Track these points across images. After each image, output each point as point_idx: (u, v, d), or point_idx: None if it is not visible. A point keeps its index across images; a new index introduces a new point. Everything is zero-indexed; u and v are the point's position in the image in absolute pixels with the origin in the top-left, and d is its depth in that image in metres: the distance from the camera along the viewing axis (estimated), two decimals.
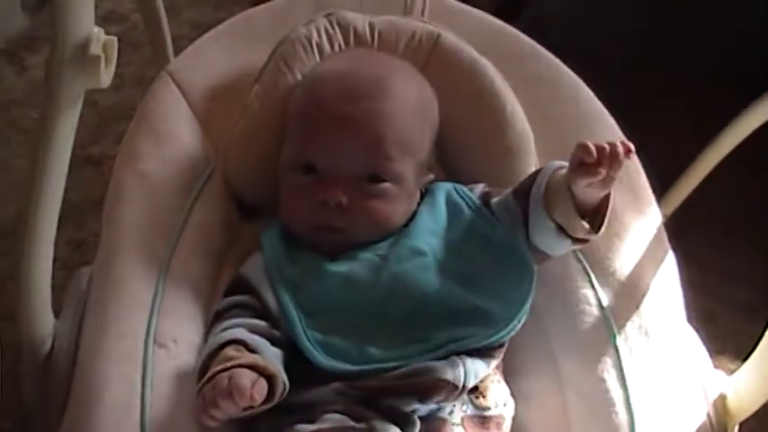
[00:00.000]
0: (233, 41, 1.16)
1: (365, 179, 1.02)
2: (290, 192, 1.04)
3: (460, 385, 0.94)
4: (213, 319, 0.99)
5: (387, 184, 1.02)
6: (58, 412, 0.94)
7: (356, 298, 0.99)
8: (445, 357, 0.96)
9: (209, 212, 1.06)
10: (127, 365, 0.91)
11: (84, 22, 0.78)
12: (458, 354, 0.96)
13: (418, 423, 0.94)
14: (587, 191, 0.94)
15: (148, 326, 0.95)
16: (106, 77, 0.80)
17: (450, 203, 1.06)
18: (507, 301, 0.99)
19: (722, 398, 1.05)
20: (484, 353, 0.98)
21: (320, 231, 1.02)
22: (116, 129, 1.53)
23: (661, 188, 1.24)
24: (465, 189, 1.08)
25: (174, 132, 1.09)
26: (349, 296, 0.99)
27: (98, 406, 0.88)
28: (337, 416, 0.92)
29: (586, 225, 0.95)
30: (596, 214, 0.96)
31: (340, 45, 1.13)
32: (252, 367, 0.89)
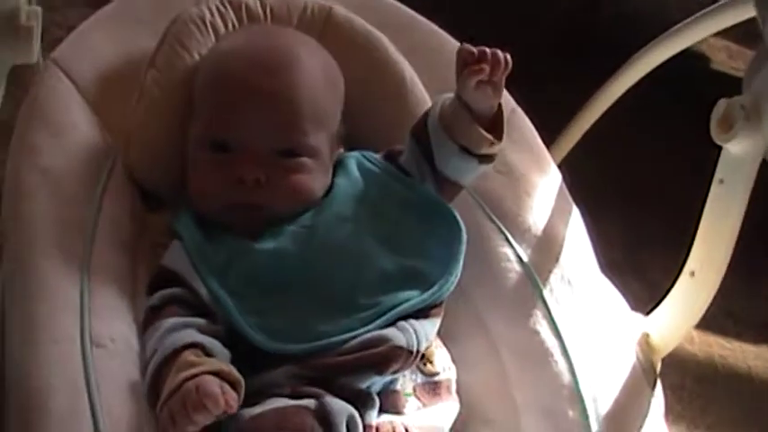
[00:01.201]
0: (116, 26, 1.09)
1: (281, 154, 0.98)
2: (201, 170, 0.99)
3: (414, 350, 0.93)
4: (148, 316, 0.92)
5: (304, 158, 0.99)
6: None
7: (289, 273, 0.96)
8: (392, 324, 0.94)
9: (117, 204, 0.99)
10: (68, 371, 0.84)
11: None
12: (404, 318, 0.95)
13: (377, 400, 0.92)
14: (479, 97, 0.98)
15: (82, 327, 0.87)
16: (36, 49, 0.73)
17: (363, 170, 1.05)
18: (438, 257, 0.99)
19: (645, 336, 1.09)
20: (428, 314, 0.97)
21: (237, 209, 0.98)
22: None
23: None
24: (373, 155, 1.07)
25: (69, 122, 1.01)
26: (281, 273, 0.96)
27: (45, 418, 0.81)
28: (283, 399, 0.88)
29: (487, 135, 0.98)
30: (494, 126, 0.99)
31: (233, 23, 1.09)
32: (216, 373, 0.84)
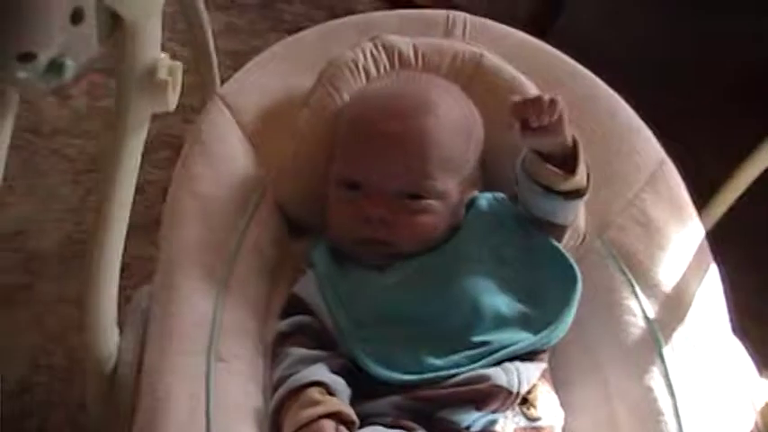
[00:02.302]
0: (281, 64, 1.19)
1: (408, 196, 1.05)
2: (336, 207, 1.07)
3: (515, 391, 0.97)
4: (277, 340, 1.01)
5: (429, 201, 1.05)
6: (124, 425, 0.97)
7: (408, 308, 1.02)
8: (497, 364, 0.99)
9: (262, 232, 1.09)
10: (191, 381, 0.94)
11: (151, 47, 0.81)
12: (510, 360, 0.99)
13: None
14: (533, 142, 1.01)
15: (210, 342, 0.97)
16: (173, 100, 0.83)
17: (491, 212, 1.09)
18: (551, 303, 1.02)
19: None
20: (533, 357, 1.01)
21: (365, 245, 1.05)
22: (156, 156, 1.57)
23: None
24: (505, 198, 1.11)
25: (227, 154, 1.12)
26: (401, 306, 1.02)
27: (166, 420, 0.91)
28: (381, 428, 0.94)
29: (557, 171, 1.01)
30: (568, 160, 1.02)
31: (385, 67, 1.16)
32: (335, 414, 0.92)
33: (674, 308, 1.09)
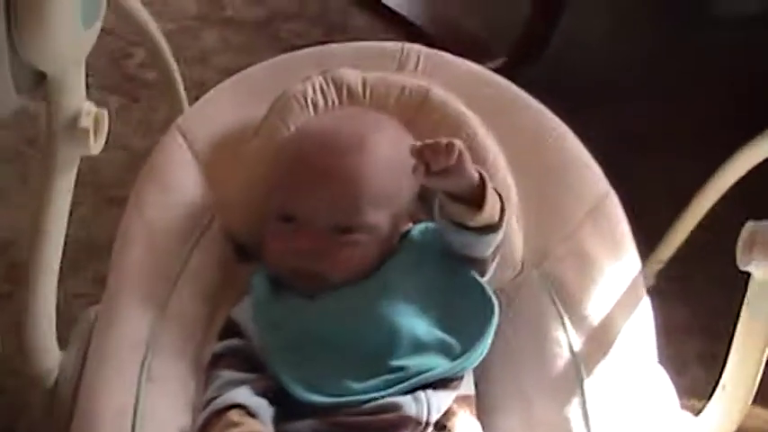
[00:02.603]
0: (237, 96, 1.24)
1: (339, 230, 1.09)
2: (271, 238, 1.12)
3: (424, 420, 1.02)
4: (210, 362, 1.07)
5: (359, 235, 1.10)
6: None
7: (331, 333, 1.07)
8: (413, 390, 1.03)
9: (206, 257, 1.15)
10: (120, 399, 1.01)
11: (74, 97, 0.88)
12: (423, 387, 1.04)
13: None
14: (443, 184, 1.04)
15: (143, 362, 1.04)
16: (96, 146, 0.90)
17: (422, 243, 1.14)
18: (467, 334, 1.07)
19: None
20: (447, 385, 1.05)
21: (297, 274, 1.10)
22: None
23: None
24: (436, 229, 1.14)
25: (178, 182, 1.18)
26: (325, 332, 1.07)
27: None
28: None
29: (463, 206, 1.04)
30: (476, 198, 1.04)
31: (333, 101, 1.21)
32: None
33: (600, 341, 1.13)
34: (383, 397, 1.03)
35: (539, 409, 1.11)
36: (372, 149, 1.12)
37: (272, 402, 1.03)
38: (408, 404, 1.02)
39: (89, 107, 0.88)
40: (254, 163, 1.18)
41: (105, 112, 0.89)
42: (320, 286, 1.10)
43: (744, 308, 1.00)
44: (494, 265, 1.13)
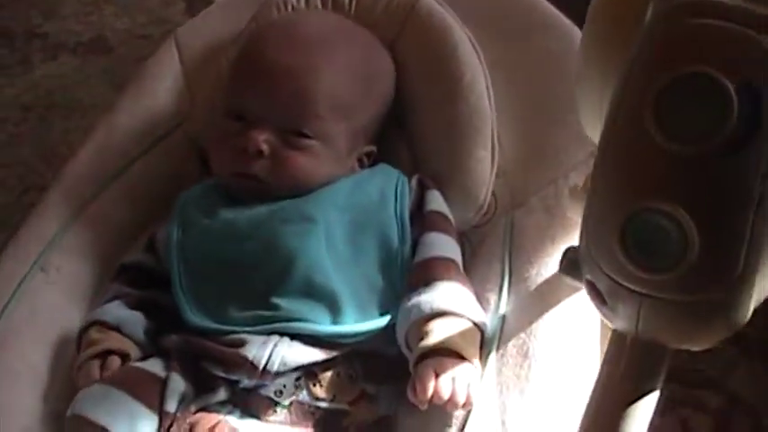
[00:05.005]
0: (234, 9, 1.17)
1: (291, 133, 0.98)
2: (218, 138, 1.02)
3: (260, 367, 0.89)
4: (116, 272, 1.03)
5: (312, 141, 0.98)
6: None
7: (230, 249, 0.97)
8: (272, 333, 0.91)
9: (153, 166, 1.10)
10: (5, 282, 1.01)
11: None
12: (290, 336, 0.91)
13: (222, 392, 0.91)
14: None
15: (41, 253, 1.03)
16: None
17: (382, 193, 0.99)
18: (365, 310, 0.93)
19: None
20: (314, 342, 0.91)
21: (239, 179, 0.99)
22: None
23: None
24: (406, 189, 1.00)
25: (153, 89, 1.14)
26: (224, 246, 0.97)
27: None
28: (153, 361, 0.93)
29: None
30: None
31: (316, 7, 1.11)
32: (106, 352, 0.94)
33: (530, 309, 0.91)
34: (245, 332, 0.92)
35: None
36: (338, 52, 1.00)
37: (153, 317, 0.97)
38: (251, 345, 0.90)
39: None
40: (225, 67, 1.10)
41: None
42: (258, 195, 0.99)
43: None
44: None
